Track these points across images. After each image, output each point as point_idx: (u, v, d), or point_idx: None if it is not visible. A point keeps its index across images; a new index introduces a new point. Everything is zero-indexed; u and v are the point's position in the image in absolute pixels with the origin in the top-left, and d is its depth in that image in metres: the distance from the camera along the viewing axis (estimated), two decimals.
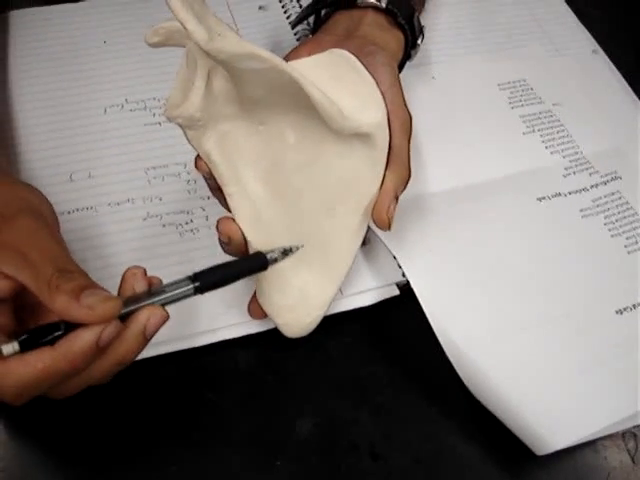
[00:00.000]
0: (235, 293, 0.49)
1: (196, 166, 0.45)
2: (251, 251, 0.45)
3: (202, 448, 0.45)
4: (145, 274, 0.40)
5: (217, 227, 0.45)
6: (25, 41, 0.61)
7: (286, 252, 0.43)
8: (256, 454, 0.45)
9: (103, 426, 0.45)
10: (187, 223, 0.53)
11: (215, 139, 0.44)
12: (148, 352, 0.44)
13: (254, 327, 0.49)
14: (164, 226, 0.52)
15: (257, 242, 0.45)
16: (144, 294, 0.39)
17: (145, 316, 0.38)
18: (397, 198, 0.46)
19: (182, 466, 0.44)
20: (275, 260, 0.43)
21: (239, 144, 0.45)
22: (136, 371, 0.42)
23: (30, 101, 0.58)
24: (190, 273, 0.40)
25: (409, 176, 0.46)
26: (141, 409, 0.46)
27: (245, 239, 0.45)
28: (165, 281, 0.40)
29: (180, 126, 0.43)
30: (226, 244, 0.45)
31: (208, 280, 0.40)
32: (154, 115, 0.58)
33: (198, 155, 0.44)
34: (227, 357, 0.48)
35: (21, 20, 0.63)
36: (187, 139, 0.44)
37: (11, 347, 0.36)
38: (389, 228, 0.45)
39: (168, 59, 0.57)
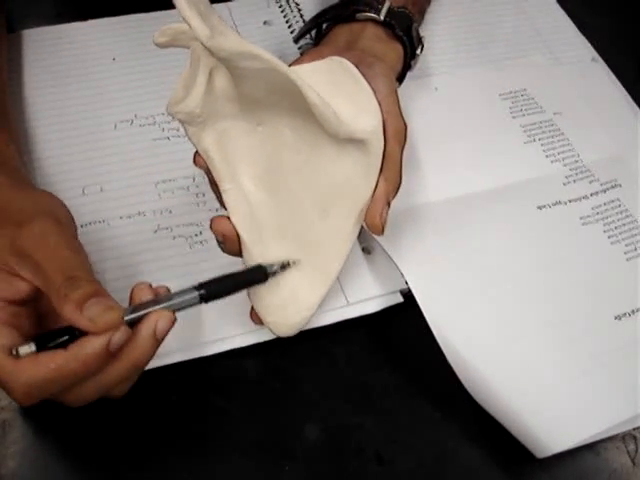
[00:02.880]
0: (241, 302, 0.50)
1: (194, 162, 0.46)
2: (243, 248, 0.46)
3: (212, 454, 0.46)
4: (150, 286, 0.41)
5: (211, 226, 0.46)
6: (38, 59, 0.63)
7: (284, 266, 0.45)
8: (265, 459, 0.46)
9: (116, 434, 0.46)
10: (196, 235, 0.54)
11: (214, 136, 0.45)
12: (159, 361, 0.46)
13: (261, 336, 0.50)
14: (174, 238, 0.54)
15: (250, 239, 0.46)
16: (152, 302, 0.41)
17: (154, 319, 0.39)
18: (389, 204, 0.47)
19: (193, 472, 0.45)
20: (274, 273, 0.45)
21: (237, 142, 0.46)
22: (147, 380, 0.43)
23: (43, 117, 0.59)
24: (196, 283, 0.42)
25: (400, 183, 0.47)
26: (152, 417, 0.47)
27: (239, 237, 0.46)
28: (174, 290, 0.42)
29: (181, 122, 0.44)
30: (221, 242, 0.46)
31: (212, 290, 0.42)
32: (163, 130, 0.59)
33: (197, 151, 0.45)
34: (235, 365, 0.49)
35: (33, 39, 0.64)
36: (187, 135, 0.45)
37: (28, 347, 0.38)
38: (382, 233, 0.46)
39: (176, 75, 0.58)
